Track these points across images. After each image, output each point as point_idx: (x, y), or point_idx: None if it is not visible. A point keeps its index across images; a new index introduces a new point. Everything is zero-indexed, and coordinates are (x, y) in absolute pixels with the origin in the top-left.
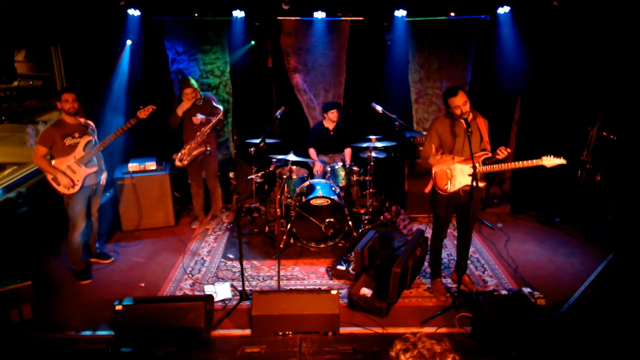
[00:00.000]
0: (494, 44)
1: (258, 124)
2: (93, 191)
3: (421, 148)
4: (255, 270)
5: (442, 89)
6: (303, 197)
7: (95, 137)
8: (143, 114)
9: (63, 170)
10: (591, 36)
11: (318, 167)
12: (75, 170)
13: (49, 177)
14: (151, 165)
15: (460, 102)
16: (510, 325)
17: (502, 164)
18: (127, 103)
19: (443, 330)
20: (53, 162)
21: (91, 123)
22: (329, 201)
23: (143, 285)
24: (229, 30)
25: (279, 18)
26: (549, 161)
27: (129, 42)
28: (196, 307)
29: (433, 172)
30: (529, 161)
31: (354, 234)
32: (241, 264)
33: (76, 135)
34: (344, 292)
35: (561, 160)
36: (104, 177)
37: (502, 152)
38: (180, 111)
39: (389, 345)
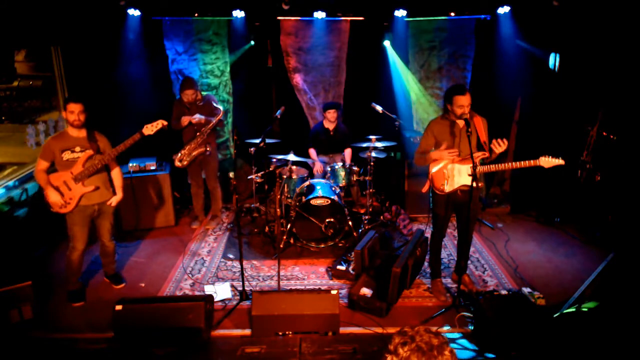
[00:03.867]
0: (494, 44)
1: (258, 124)
2: (95, 212)
3: None
4: (255, 270)
5: (442, 89)
6: (303, 197)
7: (108, 150)
8: (149, 130)
9: (58, 185)
10: (591, 36)
11: (318, 167)
12: (71, 188)
13: (45, 192)
14: (151, 165)
15: (465, 102)
16: (510, 325)
17: (500, 164)
18: (128, 104)
19: (443, 330)
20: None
21: (102, 137)
22: (329, 201)
23: (143, 285)
24: (229, 30)
25: (278, 18)
26: (547, 162)
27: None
28: (196, 307)
29: (430, 172)
30: (527, 162)
31: (354, 234)
32: (241, 264)
33: (77, 149)
34: (344, 292)
35: (559, 161)
36: (114, 199)
37: (499, 145)
38: (183, 123)
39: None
